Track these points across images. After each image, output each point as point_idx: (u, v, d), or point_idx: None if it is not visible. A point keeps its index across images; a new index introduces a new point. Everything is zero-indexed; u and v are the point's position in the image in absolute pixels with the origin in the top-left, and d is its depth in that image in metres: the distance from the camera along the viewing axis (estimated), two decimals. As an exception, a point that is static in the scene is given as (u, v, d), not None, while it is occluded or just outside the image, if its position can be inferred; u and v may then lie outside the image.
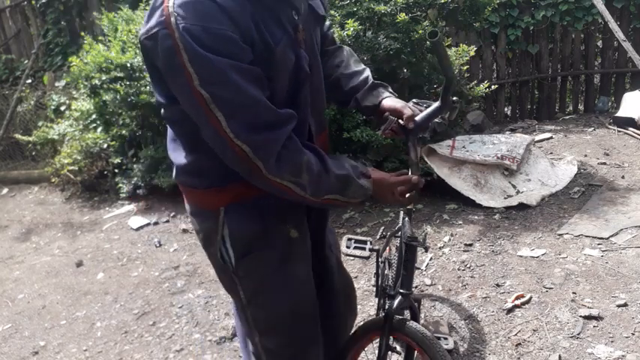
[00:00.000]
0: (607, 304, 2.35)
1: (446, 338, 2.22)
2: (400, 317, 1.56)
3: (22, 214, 4.75)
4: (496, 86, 5.26)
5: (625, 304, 2.31)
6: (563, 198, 3.43)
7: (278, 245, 1.34)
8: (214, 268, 1.43)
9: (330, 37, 1.56)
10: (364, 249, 2.74)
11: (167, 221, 3.99)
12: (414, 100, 1.78)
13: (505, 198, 3.44)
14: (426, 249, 1.71)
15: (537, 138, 4.55)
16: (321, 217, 1.59)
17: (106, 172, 4.68)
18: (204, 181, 1.29)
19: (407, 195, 1.40)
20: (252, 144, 1.11)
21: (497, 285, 2.61)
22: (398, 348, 1.92)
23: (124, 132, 4.30)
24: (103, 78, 4.18)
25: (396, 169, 3.53)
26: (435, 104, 1.41)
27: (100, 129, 4.56)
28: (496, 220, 3.24)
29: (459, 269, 2.79)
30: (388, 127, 1.39)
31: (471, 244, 3.00)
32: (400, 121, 1.41)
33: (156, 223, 3.98)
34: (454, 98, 1.36)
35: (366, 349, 1.76)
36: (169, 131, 1.32)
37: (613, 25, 4.86)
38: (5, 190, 5.45)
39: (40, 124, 5.33)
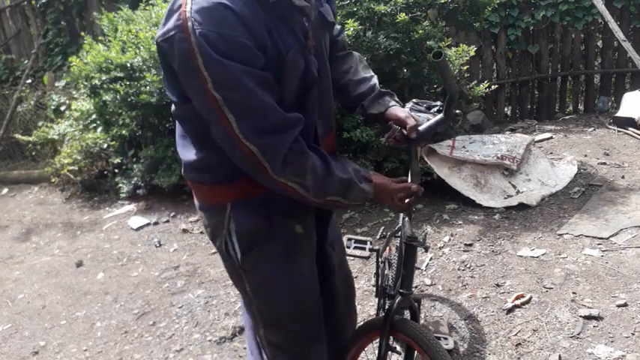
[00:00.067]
0: (607, 304, 2.35)
1: (446, 338, 2.22)
2: (400, 317, 1.56)
3: (22, 214, 4.75)
4: (496, 86, 5.26)
5: (625, 304, 2.31)
6: (563, 198, 3.43)
7: (283, 240, 1.37)
8: (222, 261, 1.46)
9: (341, 44, 1.60)
10: (364, 249, 2.74)
11: (167, 221, 3.99)
12: (414, 100, 1.78)
13: (505, 198, 3.44)
14: (426, 249, 1.71)
15: (537, 138, 4.55)
16: (324, 214, 1.60)
17: (106, 172, 4.68)
18: (212, 177, 1.33)
19: (406, 201, 1.43)
20: (260, 145, 1.16)
21: (497, 285, 2.61)
22: (398, 348, 1.92)
23: (124, 132, 4.30)
24: (103, 78, 4.18)
25: (396, 169, 3.53)
26: (439, 116, 1.44)
27: (100, 129, 4.55)
28: (496, 220, 3.24)
29: (459, 269, 2.80)
30: (392, 135, 1.43)
31: (471, 244, 3.00)
32: (403, 130, 1.45)
33: (156, 223, 3.98)
34: (457, 111, 1.40)
35: (366, 349, 1.76)
36: (178, 128, 1.35)
37: (613, 25, 4.86)
38: (5, 190, 5.45)
39: (40, 124, 5.33)
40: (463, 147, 3.56)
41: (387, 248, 2.25)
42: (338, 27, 1.59)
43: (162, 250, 3.60)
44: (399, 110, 1.47)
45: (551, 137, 4.65)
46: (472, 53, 3.99)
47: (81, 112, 4.61)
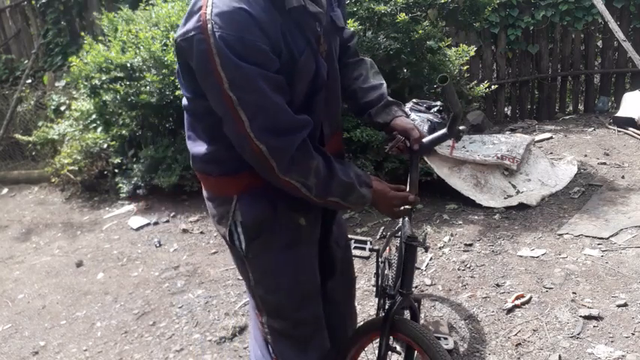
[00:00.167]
0: (607, 304, 2.35)
1: (446, 338, 2.22)
2: (400, 317, 1.56)
3: (22, 214, 4.75)
4: (496, 86, 5.26)
5: (625, 304, 2.31)
6: (563, 198, 3.43)
7: (287, 232, 1.42)
8: (228, 249, 1.52)
9: (353, 49, 1.63)
10: (364, 249, 2.74)
11: (167, 221, 3.99)
12: (414, 100, 1.79)
13: (505, 198, 3.45)
14: (426, 249, 1.72)
15: (537, 138, 4.55)
16: (330, 211, 1.63)
17: (106, 172, 4.68)
18: (220, 169, 1.38)
19: (401, 208, 1.48)
20: (269, 145, 1.22)
21: (497, 285, 2.61)
22: (398, 348, 1.92)
23: (124, 132, 4.30)
24: (103, 78, 4.18)
25: (396, 169, 3.53)
26: (442, 131, 1.48)
27: (100, 129, 4.55)
28: (496, 220, 3.24)
29: (459, 269, 2.80)
30: (395, 145, 1.48)
31: (471, 244, 3.00)
32: (407, 141, 1.49)
33: (156, 223, 3.98)
34: (461, 127, 1.45)
35: (366, 349, 1.76)
36: (187, 122, 1.40)
37: (613, 25, 4.86)
38: (5, 190, 5.45)
39: (40, 124, 5.32)
40: (463, 147, 3.56)
41: (387, 248, 2.25)
42: (349, 31, 1.62)
43: (162, 250, 3.60)
44: (404, 121, 1.52)
45: (551, 137, 4.65)
46: (472, 53, 4.00)
47: (81, 112, 4.61)
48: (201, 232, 3.73)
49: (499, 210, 3.33)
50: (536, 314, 2.36)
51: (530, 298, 2.46)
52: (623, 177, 3.61)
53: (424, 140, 1.49)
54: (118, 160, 4.39)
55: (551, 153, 4.24)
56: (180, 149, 4.06)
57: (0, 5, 6.78)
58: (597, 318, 2.26)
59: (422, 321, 2.33)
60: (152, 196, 4.32)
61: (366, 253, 2.97)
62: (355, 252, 2.32)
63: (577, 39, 5.42)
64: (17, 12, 6.72)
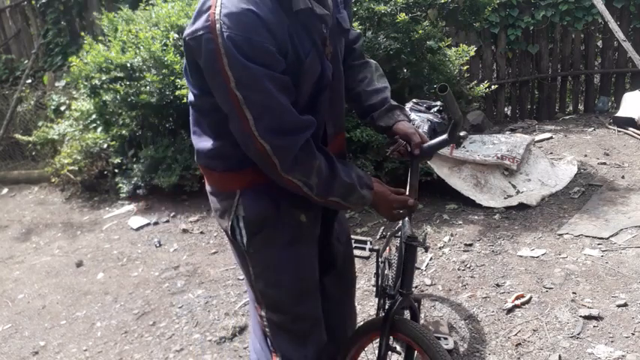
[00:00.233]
0: (607, 304, 2.35)
1: (446, 338, 2.22)
2: (400, 317, 1.56)
3: (22, 214, 4.75)
4: (496, 86, 5.26)
5: (625, 304, 2.31)
6: (563, 198, 3.43)
7: (289, 228, 1.44)
8: (229, 243, 1.54)
9: (358, 51, 1.64)
10: (364, 249, 2.74)
11: (167, 221, 3.99)
12: (414, 100, 1.79)
13: (505, 198, 3.45)
14: (426, 249, 1.72)
15: (537, 138, 4.55)
16: (332, 209, 1.63)
17: (106, 172, 4.68)
18: (224, 164, 1.40)
19: (400, 212, 1.50)
20: (273, 145, 1.24)
21: (497, 285, 2.61)
22: (398, 348, 1.92)
23: (124, 132, 4.30)
24: (103, 78, 4.18)
25: (396, 169, 3.53)
26: (443, 136, 1.49)
27: (100, 129, 4.55)
28: (496, 220, 3.24)
29: (459, 269, 2.80)
30: (396, 149, 1.50)
31: (471, 244, 3.00)
32: (408, 145, 1.51)
33: (156, 223, 3.98)
34: (461, 133, 1.46)
35: (366, 349, 1.76)
36: (193, 118, 1.43)
37: (613, 25, 4.86)
38: (5, 190, 5.45)
39: (40, 124, 5.32)
40: (463, 147, 3.56)
41: (387, 248, 2.25)
42: (355, 33, 1.64)
43: (162, 250, 3.60)
44: (406, 125, 1.53)
45: (551, 137, 4.65)
46: (472, 53, 4.00)
47: (81, 112, 4.61)
48: (201, 232, 3.73)
49: (499, 210, 3.33)
50: (536, 314, 2.36)
51: (530, 298, 2.46)
52: (623, 177, 3.61)
53: (425, 145, 1.50)
54: (118, 160, 4.39)
55: (551, 153, 4.24)
56: (180, 149, 4.06)
57: (0, 5, 6.78)
58: (597, 318, 2.26)
59: (422, 321, 2.33)
60: (152, 196, 4.32)
61: (366, 253, 2.98)
62: (355, 252, 2.31)
63: (577, 39, 5.42)
64: (17, 12, 6.72)
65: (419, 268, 2.85)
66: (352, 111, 3.28)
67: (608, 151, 4.15)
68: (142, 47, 3.89)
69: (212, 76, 1.22)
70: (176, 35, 3.88)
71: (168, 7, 3.98)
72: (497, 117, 5.60)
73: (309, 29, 1.29)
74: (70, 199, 4.83)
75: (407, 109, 1.71)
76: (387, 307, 1.64)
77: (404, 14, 3.43)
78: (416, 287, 2.69)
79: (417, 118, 1.70)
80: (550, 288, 2.51)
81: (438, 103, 1.76)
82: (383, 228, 3.25)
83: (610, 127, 4.76)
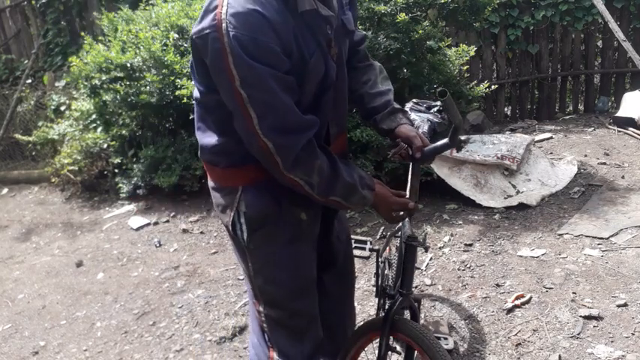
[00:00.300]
0: (607, 304, 2.35)
1: (446, 338, 2.22)
2: (400, 317, 1.56)
3: (22, 214, 4.75)
4: (496, 86, 5.26)
5: (625, 304, 2.31)
6: (563, 198, 3.43)
7: (288, 225, 1.46)
8: (230, 239, 1.56)
9: (363, 53, 1.65)
10: (364, 249, 2.74)
11: (167, 221, 3.99)
12: (414, 100, 1.79)
13: (505, 198, 3.45)
14: (426, 249, 1.72)
15: (537, 138, 4.55)
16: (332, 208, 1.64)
17: (106, 172, 4.68)
18: (227, 160, 1.41)
19: (400, 213, 1.51)
20: (276, 143, 1.26)
21: (497, 285, 2.61)
22: (398, 348, 1.92)
23: (124, 132, 4.30)
24: (103, 78, 4.18)
25: (396, 169, 3.53)
26: (444, 141, 1.50)
27: (100, 129, 4.55)
28: (496, 220, 3.24)
29: (459, 269, 2.80)
30: (398, 152, 1.51)
31: (471, 244, 3.00)
32: (410, 149, 1.52)
33: (156, 223, 3.98)
34: (462, 137, 1.48)
35: (366, 349, 1.76)
36: (197, 114, 1.45)
37: (613, 25, 4.86)
38: (5, 190, 5.45)
39: (40, 124, 5.32)
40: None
41: (387, 248, 2.25)
42: (360, 34, 1.64)
43: (162, 250, 3.60)
44: (408, 129, 1.55)
45: (551, 137, 4.65)
46: (472, 53, 4.00)
47: (81, 112, 4.61)
48: (201, 232, 3.73)
49: (499, 210, 3.33)
50: (536, 314, 2.36)
51: (530, 298, 2.46)
52: (623, 177, 3.61)
53: (426, 149, 1.51)
54: (118, 160, 4.39)
55: (551, 153, 4.24)
56: (180, 149, 4.06)
57: (0, 5, 6.78)
58: (597, 318, 2.26)
59: (422, 321, 2.33)
60: (152, 196, 4.32)
61: (366, 253, 2.98)
62: (355, 252, 2.31)
63: (577, 39, 5.42)
64: (17, 12, 6.72)
65: (419, 268, 2.85)
66: (352, 111, 3.29)
67: (608, 151, 4.15)
68: (142, 47, 3.89)
69: (217, 74, 1.24)
70: (176, 35, 3.88)
71: (168, 7, 3.98)
72: (497, 117, 5.60)
73: (314, 30, 1.31)
74: (70, 199, 4.83)
75: (407, 109, 1.71)
76: (387, 307, 1.64)
77: (404, 14, 3.43)
78: (416, 287, 2.69)
79: (417, 118, 1.69)
80: (550, 288, 2.51)
81: (438, 103, 1.76)
82: (383, 228, 3.25)
83: (610, 127, 4.76)
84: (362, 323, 1.81)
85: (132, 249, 3.67)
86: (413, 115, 1.70)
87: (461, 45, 4.00)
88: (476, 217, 3.31)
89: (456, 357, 2.20)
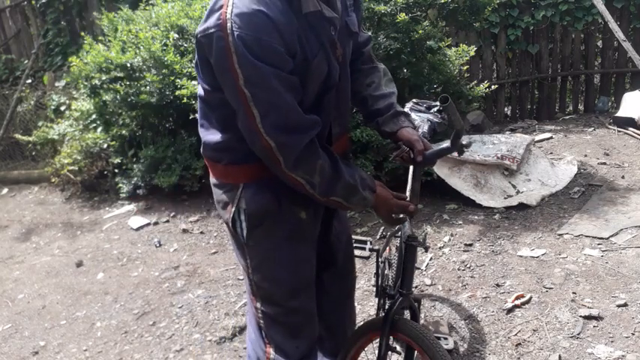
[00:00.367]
0: (607, 304, 2.35)
1: (446, 338, 2.22)
2: (400, 317, 1.56)
3: (22, 214, 4.75)
4: (496, 86, 5.25)
5: (625, 304, 2.31)
6: (563, 198, 3.43)
7: (288, 223, 1.47)
8: (229, 235, 1.58)
9: (367, 55, 1.66)
10: (364, 249, 2.74)
11: (167, 221, 3.99)
12: (414, 100, 1.79)
13: (505, 198, 3.45)
14: (426, 249, 1.72)
15: (537, 138, 4.55)
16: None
17: (106, 172, 4.68)
18: (229, 157, 1.43)
19: (400, 216, 1.52)
20: (278, 142, 1.28)
21: (497, 285, 2.61)
22: (398, 348, 1.92)
23: (124, 132, 4.30)
24: (103, 78, 4.18)
25: (396, 169, 3.53)
26: (445, 145, 1.51)
27: (100, 129, 4.55)
28: (496, 220, 3.24)
29: (459, 269, 2.80)
30: (399, 155, 1.52)
31: (471, 244, 3.00)
32: (411, 152, 1.53)
33: (156, 223, 3.98)
34: (464, 142, 1.49)
35: (366, 349, 1.76)
36: (201, 111, 1.47)
37: (613, 25, 4.86)
38: (5, 190, 5.45)
39: (40, 124, 5.32)
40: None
41: (387, 248, 2.25)
42: (365, 35, 1.65)
43: (162, 250, 3.60)
44: (410, 132, 1.56)
45: (551, 137, 4.65)
46: (472, 53, 4.00)
47: (81, 112, 4.61)
48: (201, 232, 3.73)
49: (499, 210, 3.33)
50: (536, 314, 2.36)
51: (530, 298, 2.46)
52: (623, 177, 3.61)
53: (427, 152, 1.52)
54: (118, 160, 4.39)
55: (551, 153, 4.24)
56: (180, 149, 4.06)
57: (0, 5, 6.78)
58: (597, 318, 2.26)
59: (422, 321, 2.33)
60: (152, 196, 4.32)
61: (366, 253, 2.98)
62: (355, 252, 2.31)
63: (577, 39, 5.42)
64: (17, 12, 6.71)
65: (419, 268, 2.85)
66: (352, 110, 3.29)
67: (608, 151, 4.15)
68: (142, 47, 3.89)
69: (222, 72, 1.25)
70: (176, 35, 3.88)
71: (168, 7, 3.98)
72: (497, 117, 5.60)
73: (317, 31, 1.32)
74: (70, 199, 4.83)
75: (407, 109, 1.72)
76: (387, 307, 1.64)
77: (404, 14, 3.43)
78: (416, 287, 2.69)
79: (417, 118, 1.70)
80: (550, 288, 2.51)
81: (438, 102, 1.76)
82: (383, 228, 3.25)
83: (610, 127, 4.76)
84: (362, 323, 1.81)
85: (132, 249, 3.67)
86: (413, 115, 1.70)
87: (461, 45, 4.00)
88: (476, 217, 3.31)
89: (456, 357, 2.20)
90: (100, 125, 4.55)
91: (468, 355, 2.20)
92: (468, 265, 2.81)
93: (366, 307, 2.62)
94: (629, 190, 3.42)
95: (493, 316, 2.40)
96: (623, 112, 4.61)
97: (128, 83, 4.01)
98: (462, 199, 3.47)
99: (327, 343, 1.84)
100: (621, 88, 5.46)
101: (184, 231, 3.78)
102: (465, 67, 4.26)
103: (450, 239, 3.10)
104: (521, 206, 3.33)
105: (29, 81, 6.23)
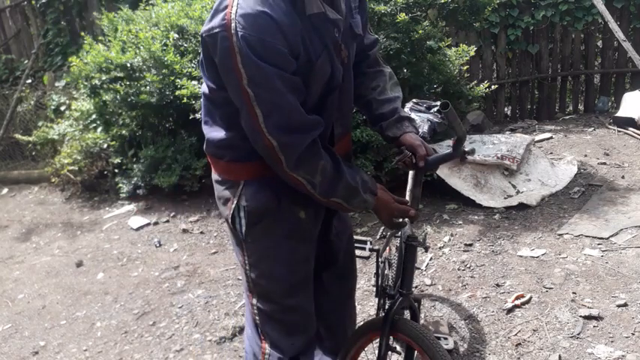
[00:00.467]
0: (607, 304, 2.35)
1: (446, 338, 2.22)
2: (400, 317, 1.56)
3: (22, 214, 4.75)
4: (496, 86, 5.25)
5: (625, 304, 2.31)
6: (563, 198, 3.43)
7: (287, 222, 1.48)
8: (229, 231, 1.59)
9: (373, 58, 1.66)
10: (364, 249, 2.74)
11: (167, 221, 3.99)
12: (414, 100, 1.79)
13: (505, 198, 3.45)
14: (426, 249, 1.73)
15: (537, 138, 4.55)
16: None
17: (106, 172, 4.68)
18: (231, 154, 1.44)
19: (400, 220, 1.53)
20: (280, 142, 1.29)
21: (497, 285, 2.61)
22: (398, 348, 1.92)
23: (124, 132, 4.30)
24: (103, 78, 4.18)
25: (396, 169, 3.53)
26: (448, 151, 1.52)
27: (100, 129, 4.55)
28: (496, 220, 3.24)
29: (459, 269, 2.80)
30: (401, 159, 1.53)
31: (471, 244, 3.00)
32: (414, 157, 1.54)
33: (156, 223, 3.98)
34: (466, 149, 1.50)
35: (366, 349, 1.76)
36: (205, 108, 1.48)
37: (613, 25, 4.86)
38: (5, 190, 5.45)
39: (40, 124, 5.32)
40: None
41: (387, 248, 2.25)
42: (372, 38, 1.65)
43: (162, 250, 3.60)
44: (413, 137, 1.57)
45: (551, 137, 4.65)
46: (472, 53, 4.00)
47: (81, 112, 4.61)
48: (201, 232, 3.73)
49: (499, 210, 3.33)
50: (536, 314, 2.36)
51: (530, 298, 2.46)
52: (623, 177, 3.61)
53: (430, 158, 1.53)
54: (118, 160, 4.39)
55: (551, 153, 4.24)
56: (180, 149, 4.06)
57: (0, 5, 6.78)
58: (597, 318, 2.26)
59: (422, 321, 2.33)
60: (152, 196, 4.32)
61: (366, 253, 2.97)
62: (355, 252, 2.32)
63: (577, 39, 5.42)
64: (17, 12, 6.72)
65: (419, 268, 2.85)
66: (352, 110, 3.29)
67: (608, 151, 4.15)
68: (142, 47, 3.89)
69: (226, 72, 1.27)
70: (176, 35, 3.88)
71: (168, 7, 3.98)
72: (497, 117, 5.60)
73: (321, 32, 1.33)
74: (70, 199, 4.83)
75: (407, 109, 1.72)
76: (387, 307, 1.64)
77: (404, 14, 3.43)
78: (416, 287, 2.69)
79: (417, 118, 1.70)
80: (550, 288, 2.51)
81: (438, 103, 1.76)
82: (383, 228, 3.25)
83: (610, 127, 4.76)
84: (362, 323, 1.81)
85: (132, 249, 3.67)
86: (413, 115, 1.70)
87: (461, 45, 4.00)
88: (476, 217, 3.31)
89: (456, 357, 2.20)
90: (100, 125, 4.55)
91: (468, 355, 2.20)
92: (468, 265, 2.81)
93: (366, 307, 2.62)
94: (629, 190, 3.42)
95: (493, 316, 2.40)
96: (623, 112, 4.61)
97: (128, 83, 4.02)
98: (462, 199, 3.47)
99: (328, 343, 1.84)
100: (621, 88, 5.46)
101: (184, 231, 3.78)
102: (465, 67, 4.26)
103: (450, 239, 3.10)
104: (521, 206, 3.33)
105: (29, 81, 6.23)
